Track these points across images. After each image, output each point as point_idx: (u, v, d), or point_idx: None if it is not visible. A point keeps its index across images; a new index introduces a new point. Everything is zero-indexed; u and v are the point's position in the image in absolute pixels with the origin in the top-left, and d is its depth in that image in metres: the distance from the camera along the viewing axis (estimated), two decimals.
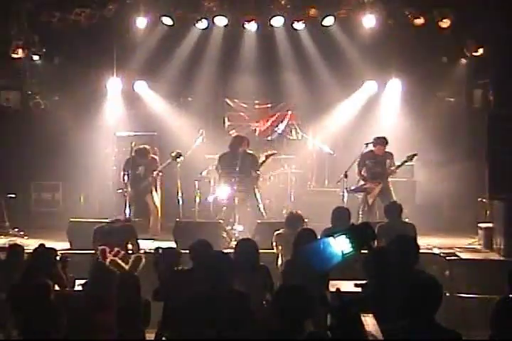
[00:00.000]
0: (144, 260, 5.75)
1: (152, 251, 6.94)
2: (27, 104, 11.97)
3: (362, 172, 9.94)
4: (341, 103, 12.07)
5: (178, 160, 10.03)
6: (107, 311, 5.49)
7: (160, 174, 10.19)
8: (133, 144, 10.15)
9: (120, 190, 10.10)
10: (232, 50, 11.98)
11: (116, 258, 5.78)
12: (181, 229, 9.06)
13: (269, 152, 10.21)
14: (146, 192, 10.19)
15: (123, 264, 5.69)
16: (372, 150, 9.94)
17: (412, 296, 3.76)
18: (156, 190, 10.42)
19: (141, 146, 10.25)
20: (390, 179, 10.02)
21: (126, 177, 10.07)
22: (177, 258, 6.04)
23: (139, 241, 8.22)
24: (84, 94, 12.12)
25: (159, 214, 10.34)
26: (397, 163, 9.88)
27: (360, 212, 9.85)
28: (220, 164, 10.05)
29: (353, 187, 10.00)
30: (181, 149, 10.44)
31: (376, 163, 9.92)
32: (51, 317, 5.43)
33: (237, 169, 9.66)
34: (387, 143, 9.90)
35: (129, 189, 9.99)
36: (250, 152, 10.07)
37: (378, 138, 9.91)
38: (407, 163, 9.97)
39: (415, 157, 9.86)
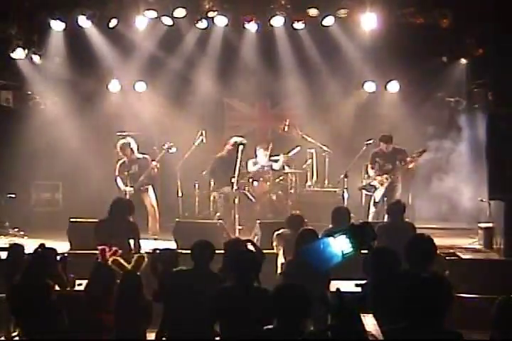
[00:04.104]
0: (146, 260, 5.76)
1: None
2: (27, 104, 11.98)
3: (372, 169, 10.09)
4: (341, 103, 12.07)
5: (170, 151, 10.10)
6: (107, 311, 5.49)
7: (155, 169, 10.23)
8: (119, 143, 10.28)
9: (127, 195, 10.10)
10: (232, 50, 11.98)
11: (119, 258, 5.78)
12: (181, 229, 9.07)
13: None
14: (142, 192, 10.23)
15: (125, 264, 5.69)
16: (381, 148, 10.10)
17: (421, 296, 3.76)
18: (153, 189, 10.45)
19: (122, 142, 10.31)
20: (399, 177, 10.13)
21: (119, 181, 10.16)
22: (175, 259, 6.04)
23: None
24: (84, 94, 12.12)
25: (157, 214, 10.36)
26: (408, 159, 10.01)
27: (371, 209, 10.01)
28: (218, 165, 10.18)
29: (361, 185, 10.18)
30: (181, 149, 10.45)
31: (386, 160, 10.10)
32: (51, 317, 5.44)
33: (236, 170, 9.73)
34: (391, 140, 10.08)
35: (126, 188, 10.09)
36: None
37: (384, 136, 10.18)
38: (418, 159, 10.04)
39: (425, 153, 9.96)
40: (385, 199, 9.95)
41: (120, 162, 10.34)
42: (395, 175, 10.03)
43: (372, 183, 10.14)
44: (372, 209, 10.08)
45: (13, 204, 11.08)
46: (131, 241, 7.86)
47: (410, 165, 10.05)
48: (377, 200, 10.06)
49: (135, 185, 10.16)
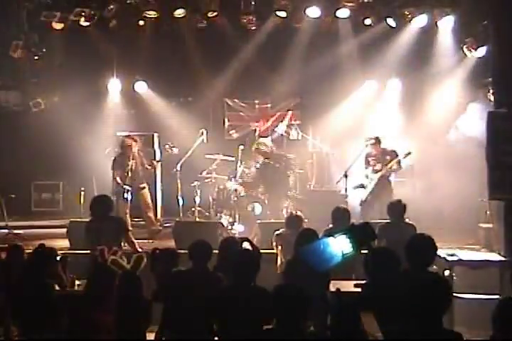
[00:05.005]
0: (145, 259, 5.76)
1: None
2: (27, 104, 11.98)
3: (366, 169, 10.13)
4: (341, 103, 12.07)
5: (172, 152, 10.07)
6: (107, 311, 5.48)
7: (154, 168, 10.20)
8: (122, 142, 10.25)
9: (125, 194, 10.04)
10: (232, 50, 11.99)
11: (118, 258, 5.78)
12: (181, 229, 9.06)
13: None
14: (140, 189, 10.18)
15: (124, 264, 5.69)
16: (373, 149, 10.15)
17: (421, 296, 3.77)
18: (149, 188, 10.39)
19: (121, 140, 10.27)
20: (391, 178, 10.13)
21: (118, 179, 10.12)
22: (175, 259, 6.04)
23: (137, 240, 8.11)
24: (84, 94, 12.12)
25: (155, 214, 10.33)
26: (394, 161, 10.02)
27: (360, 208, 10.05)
28: None
29: (354, 185, 10.21)
30: (181, 149, 10.45)
31: (377, 161, 10.14)
32: (51, 317, 5.44)
33: (237, 170, 9.79)
34: (379, 142, 10.08)
35: (124, 187, 10.07)
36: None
37: (370, 138, 10.12)
38: (403, 161, 10.06)
39: (410, 155, 9.97)
40: (374, 198, 9.99)
41: (118, 159, 10.21)
42: (384, 174, 10.07)
43: (363, 183, 10.20)
44: (362, 208, 10.11)
45: (13, 204, 11.08)
46: (123, 238, 7.70)
47: (400, 166, 10.07)
48: (363, 199, 10.11)
49: (133, 183, 10.08)
